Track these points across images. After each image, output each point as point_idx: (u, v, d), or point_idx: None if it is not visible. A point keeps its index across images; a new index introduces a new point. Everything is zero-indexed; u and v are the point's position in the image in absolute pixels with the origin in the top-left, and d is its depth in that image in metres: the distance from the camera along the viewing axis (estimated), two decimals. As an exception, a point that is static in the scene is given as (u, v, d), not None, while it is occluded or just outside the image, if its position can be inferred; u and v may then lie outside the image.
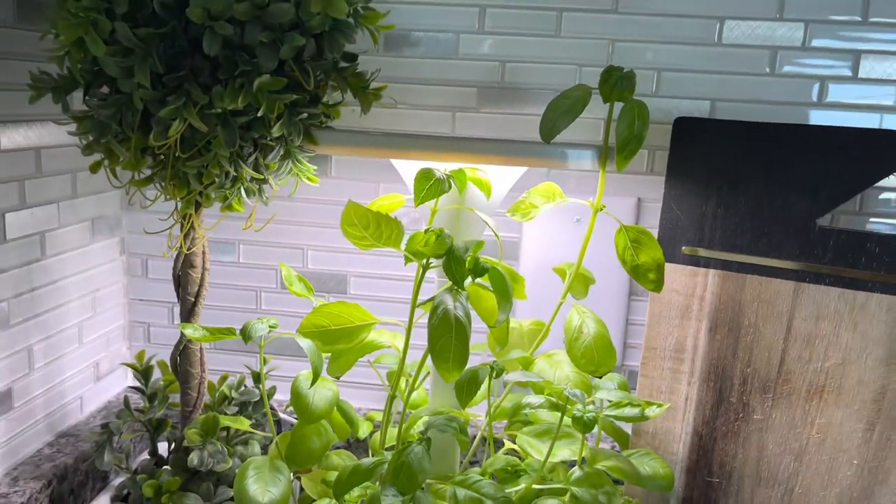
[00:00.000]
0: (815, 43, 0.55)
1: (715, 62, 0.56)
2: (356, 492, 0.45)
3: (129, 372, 0.66)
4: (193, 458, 0.48)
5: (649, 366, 0.52)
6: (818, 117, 0.56)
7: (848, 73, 0.55)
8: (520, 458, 0.50)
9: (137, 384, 0.54)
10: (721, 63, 0.56)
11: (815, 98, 0.55)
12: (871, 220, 0.55)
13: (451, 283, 0.44)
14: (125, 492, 0.51)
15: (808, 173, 0.49)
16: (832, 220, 0.54)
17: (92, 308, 0.61)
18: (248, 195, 0.49)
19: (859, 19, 0.54)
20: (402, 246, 0.46)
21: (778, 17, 0.55)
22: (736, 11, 0.55)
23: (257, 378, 0.53)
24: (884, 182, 0.49)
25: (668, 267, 0.50)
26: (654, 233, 0.48)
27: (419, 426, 0.49)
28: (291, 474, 0.47)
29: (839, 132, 0.49)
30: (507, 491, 0.43)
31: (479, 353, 0.57)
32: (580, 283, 0.52)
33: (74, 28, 0.40)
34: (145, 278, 0.66)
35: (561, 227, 0.60)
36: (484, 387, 0.46)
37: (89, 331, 0.61)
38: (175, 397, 0.54)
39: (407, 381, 0.50)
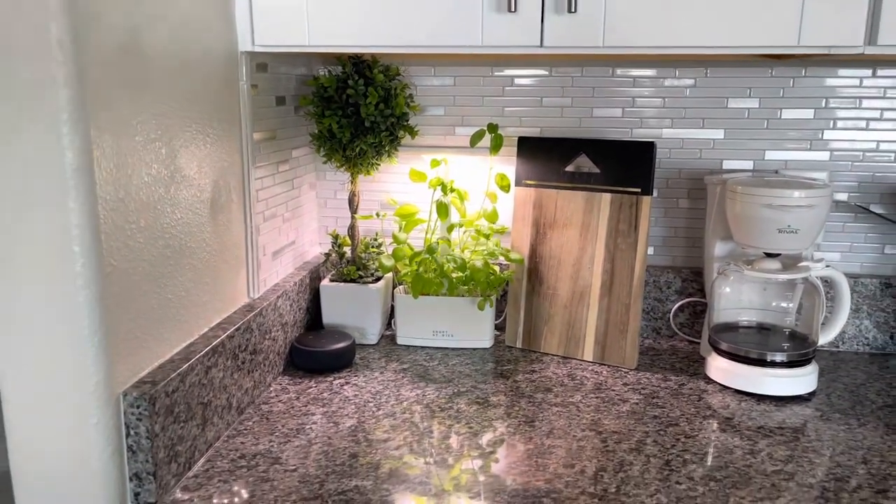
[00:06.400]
0: (575, 104, 1.49)
1: (541, 113, 1.50)
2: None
3: (329, 239, 1.63)
4: (361, 255, 1.45)
5: (515, 224, 1.47)
6: (577, 132, 1.50)
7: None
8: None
9: (332, 242, 1.51)
10: (544, 113, 1.50)
11: (579, 125, 1.49)
12: (580, 167, 1.49)
13: (443, 193, 1.40)
14: (333, 275, 1.48)
15: (563, 152, 1.43)
16: (567, 167, 1.48)
17: (310, 215, 1.57)
18: (374, 169, 1.45)
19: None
20: (427, 182, 1.42)
21: (562, 95, 1.49)
22: (554, 94, 1.50)
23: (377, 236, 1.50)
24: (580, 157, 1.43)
25: (518, 188, 1.45)
26: (514, 176, 1.43)
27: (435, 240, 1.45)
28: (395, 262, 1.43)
29: (568, 141, 1.43)
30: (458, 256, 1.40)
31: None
32: (491, 196, 1.47)
33: (328, 119, 1.36)
34: (325, 207, 1.63)
35: (482, 175, 1.55)
36: (455, 231, 1.43)
37: (310, 223, 1.57)
38: (345, 249, 1.51)
39: (430, 228, 1.46)
